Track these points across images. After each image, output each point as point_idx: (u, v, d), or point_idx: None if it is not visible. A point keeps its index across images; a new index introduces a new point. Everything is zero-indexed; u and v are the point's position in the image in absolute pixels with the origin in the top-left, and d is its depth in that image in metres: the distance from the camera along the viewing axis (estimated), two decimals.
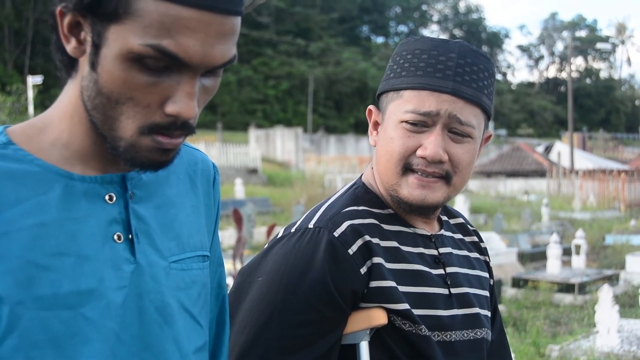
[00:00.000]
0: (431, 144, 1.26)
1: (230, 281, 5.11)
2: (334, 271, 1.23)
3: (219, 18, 0.87)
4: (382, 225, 1.31)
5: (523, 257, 11.07)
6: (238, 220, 11.52)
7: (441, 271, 1.35)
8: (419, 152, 1.27)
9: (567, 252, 10.88)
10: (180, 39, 0.85)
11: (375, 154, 1.36)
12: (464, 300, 1.36)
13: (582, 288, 8.82)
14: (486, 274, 1.48)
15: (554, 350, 6.08)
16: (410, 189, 1.29)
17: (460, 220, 1.51)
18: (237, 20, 0.90)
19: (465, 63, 1.27)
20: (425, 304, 1.30)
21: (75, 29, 0.89)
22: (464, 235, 1.49)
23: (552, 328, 7.44)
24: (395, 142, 1.28)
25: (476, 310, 1.38)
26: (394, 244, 1.31)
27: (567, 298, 8.65)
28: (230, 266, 7.07)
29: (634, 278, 9.73)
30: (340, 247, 1.24)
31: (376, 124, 1.36)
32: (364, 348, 1.26)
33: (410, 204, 1.30)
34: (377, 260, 1.27)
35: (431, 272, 1.33)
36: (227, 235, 12.76)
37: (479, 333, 1.37)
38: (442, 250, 1.38)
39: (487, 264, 1.51)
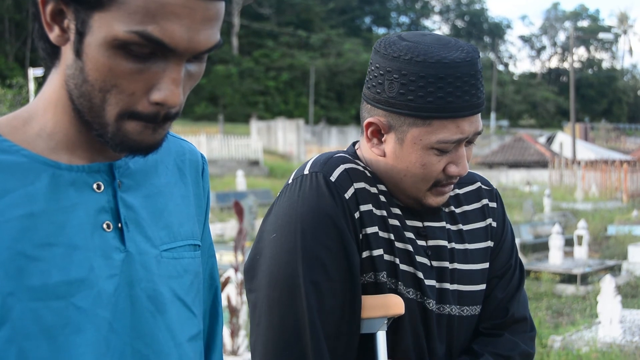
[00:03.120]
0: (462, 163, 1.31)
1: (231, 274, 5.11)
2: (339, 211, 1.27)
3: (203, 3, 0.86)
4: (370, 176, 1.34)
5: (525, 248, 11.06)
6: (239, 212, 11.54)
7: (422, 242, 1.36)
8: (452, 171, 1.31)
9: (569, 242, 10.86)
10: (166, 25, 0.84)
11: (379, 160, 1.34)
12: (443, 275, 1.36)
13: (585, 279, 8.82)
14: (487, 243, 1.44)
15: (556, 341, 6.08)
16: (435, 198, 1.35)
17: (477, 184, 1.48)
18: (221, 5, 0.90)
19: (473, 74, 1.26)
20: (409, 260, 1.32)
21: (58, 17, 0.88)
22: (470, 204, 1.45)
23: (555, 319, 7.44)
24: (428, 168, 1.30)
25: (456, 286, 1.37)
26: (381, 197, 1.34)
27: (569, 289, 8.65)
28: (232, 258, 7.08)
29: (636, 268, 9.72)
30: (336, 190, 1.28)
31: (377, 133, 1.32)
32: (381, 338, 1.27)
33: (431, 208, 1.36)
34: (366, 207, 1.30)
35: (414, 240, 1.35)
36: (229, 227, 12.77)
37: (453, 310, 1.37)
38: (429, 224, 1.38)
39: (492, 226, 1.46)
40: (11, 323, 0.86)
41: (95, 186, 0.94)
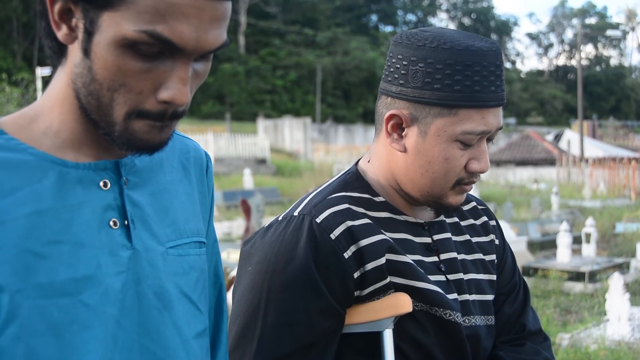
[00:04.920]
0: (484, 159, 1.28)
1: None
2: (317, 257, 1.23)
3: (212, 3, 0.87)
4: (368, 212, 1.30)
5: (533, 246, 11.04)
6: (246, 210, 11.56)
7: (435, 258, 1.34)
8: (474, 167, 1.27)
9: (577, 240, 10.82)
10: (175, 25, 0.85)
11: (398, 158, 1.30)
12: (461, 287, 1.35)
13: (593, 276, 8.78)
14: (492, 256, 1.45)
15: (564, 338, 6.06)
16: (456, 197, 1.31)
17: (473, 204, 1.50)
18: (229, 5, 0.91)
19: (498, 65, 1.25)
20: (425, 278, 1.29)
21: (66, 16, 0.89)
22: (475, 219, 1.47)
23: (563, 317, 7.42)
24: (451, 162, 1.26)
25: (474, 297, 1.37)
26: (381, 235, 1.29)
27: (577, 286, 8.62)
28: (239, 256, 7.09)
29: None
30: (321, 232, 1.24)
31: (397, 127, 1.29)
32: (388, 336, 1.26)
33: (451, 208, 1.33)
34: (366, 241, 1.26)
35: (423, 259, 1.32)
36: (236, 226, 12.79)
37: (478, 320, 1.37)
38: (438, 237, 1.36)
39: (495, 243, 1.48)
40: (19, 320, 0.86)
41: (101, 184, 0.95)
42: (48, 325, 0.88)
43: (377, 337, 1.27)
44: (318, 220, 1.25)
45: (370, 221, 1.28)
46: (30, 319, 0.87)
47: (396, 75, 1.27)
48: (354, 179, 1.36)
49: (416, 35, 1.26)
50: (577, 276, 8.79)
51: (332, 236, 1.24)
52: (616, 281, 6.20)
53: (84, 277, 0.90)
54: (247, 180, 20.40)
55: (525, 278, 8.91)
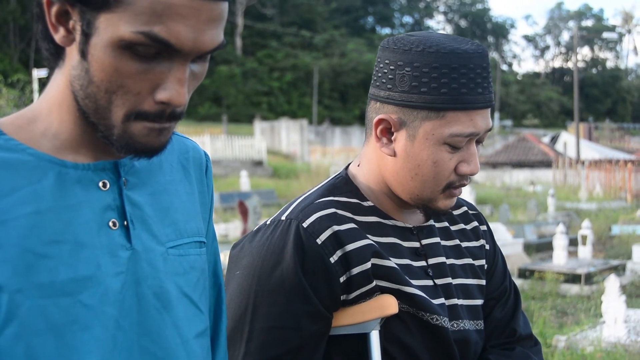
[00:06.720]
0: (473, 161, 1.27)
1: None
2: (303, 262, 1.24)
3: (208, 4, 0.87)
4: (355, 217, 1.30)
5: (529, 248, 11.05)
6: (244, 212, 11.57)
7: (422, 263, 1.34)
8: (464, 170, 1.27)
9: (573, 242, 10.83)
10: (172, 25, 0.85)
11: (388, 162, 1.31)
12: (449, 291, 1.36)
13: (589, 278, 8.80)
14: (482, 261, 1.46)
15: (560, 340, 6.07)
16: (446, 201, 1.31)
17: (464, 209, 1.50)
18: (225, 6, 0.91)
19: (485, 67, 1.26)
20: (410, 283, 1.30)
21: (63, 18, 0.89)
22: (465, 224, 1.47)
23: (559, 319, 7.43)
24: (440, 166, 1.26)
25: (462, 301, 1.37)
26: (367, 240, 1.29)
27: (573, 288, 8.63)
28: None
29: None
30: (308, 237, 1.25)
31: (387, 132, 1.29)
32: (375, 337, 1.26)
33: (442, 212, 1.32)
34: (352, 245, 1.26)
35: (411, 264, 1.32)
36: (233, 228, 12.77)
37: (467, 324, 1.37)
38: (426, 241, 1.36)
39: (486, 248, 1.48)
40: (19, 320, 0.87)
41: (100, 184, 0.95)
42: (48, 325, 0.88)
43: (364, 338, 1.27)
44: (304, 225, 1.26)
45: (355, 226, 1.29)
46: (31, 318, 0.87)
47: (384, 80, 1.28)
48: (343, 184, 1.36)
49: (402, 39, 1.27)
50: (573, 278, 8.80)
51: (319, 241, 1.25)
52: (612, 283, 6.21)
53: (84, 278, 0.90)
54: (244, 182, 20.39)
55: (522, 280, 8.92)
